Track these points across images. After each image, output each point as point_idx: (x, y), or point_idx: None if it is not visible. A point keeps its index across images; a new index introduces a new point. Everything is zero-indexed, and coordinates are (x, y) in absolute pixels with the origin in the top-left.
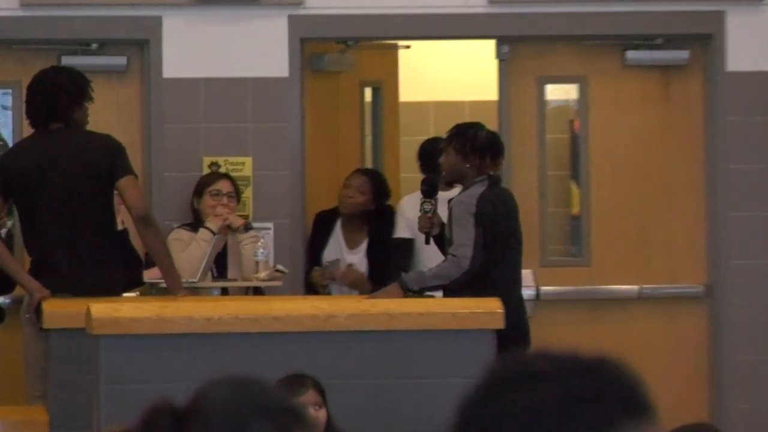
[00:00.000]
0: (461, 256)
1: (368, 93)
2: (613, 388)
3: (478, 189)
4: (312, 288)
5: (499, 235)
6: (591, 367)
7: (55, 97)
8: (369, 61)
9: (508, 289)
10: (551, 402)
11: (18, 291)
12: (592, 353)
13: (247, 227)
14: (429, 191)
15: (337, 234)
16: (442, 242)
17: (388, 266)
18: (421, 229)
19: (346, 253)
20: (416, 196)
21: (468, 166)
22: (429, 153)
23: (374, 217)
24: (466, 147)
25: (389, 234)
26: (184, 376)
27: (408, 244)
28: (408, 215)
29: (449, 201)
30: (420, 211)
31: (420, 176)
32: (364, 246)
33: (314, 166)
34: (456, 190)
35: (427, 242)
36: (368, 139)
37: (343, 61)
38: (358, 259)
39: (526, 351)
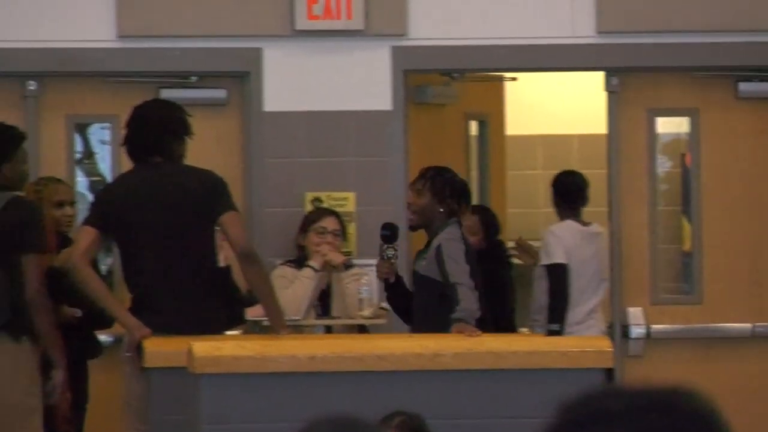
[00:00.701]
0: (470, 286)
1: (474, 126)
2: (687, 423)
3: (456, 229)
4: None
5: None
6: (664, 402)
7: (158, 131)
8: (474, 93)
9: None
10: None
11: (118, 329)
12: (664, 387)
13: (348, 265)
14: (392, 237)
15: None
16: (397, 289)
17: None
18: (380, 275)
19: None
20: (568, 224)
21: (441, 210)
22: (568, 187)
23: (485, 254)
24: (446, 191)
25: (503, 271)
26: (287, 416)
27: (565, 270)
28: (567, 243)
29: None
30: (383, 256)
31: (545, 211)
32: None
33: None
34: None
35: (386, 290)
36: (473, 173)
37: (448, 93)
38: None
39: (597, 390)
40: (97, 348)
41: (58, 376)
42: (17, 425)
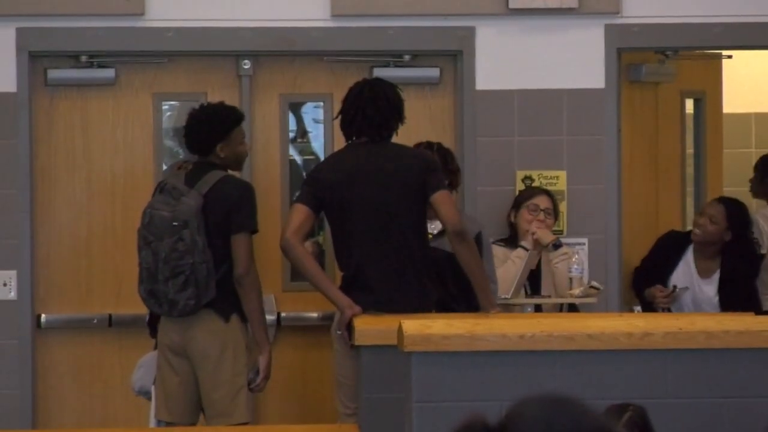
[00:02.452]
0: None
1: (689, 104)
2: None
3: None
4: (646, 304)
5: None
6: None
7: (389, 110)
8: (690, 71)
9: None
10: None
11: (328, 307)
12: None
13: (556, 245)
14: None
15: (688, 259)
16: None
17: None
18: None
19: (698, 281)
20: None
21: (448, 182)
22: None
23: (730, 247)
24: (454, 163)
25: (745, 266)
26: (497, 395)
27: None
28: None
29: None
30: None
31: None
32: (716, 276)
33: (631, 180)
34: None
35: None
36: (689, 152)
37: (663, 71)
38: (710, 289)
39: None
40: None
41: (263, 360)
42: (225, 403)
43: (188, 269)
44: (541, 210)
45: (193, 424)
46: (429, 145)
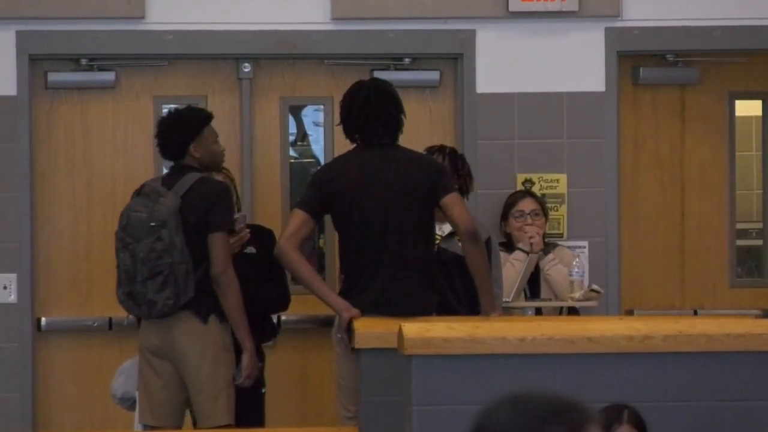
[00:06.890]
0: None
1: None
2: None
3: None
4: None
5: None
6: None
7: (394, 111)
8: None
9: None
10: None
11: (328, 310)
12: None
13: (546, 252)
14: None
15: None
16: None
17: None
18: None
19: None
20: None
21: (457, 187)
22: None
23: None
24: (465, 167)
25: None
26: None
27: None
28: None
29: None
30: None
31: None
32: None
33: (630, 183)
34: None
35: None
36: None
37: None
38: None
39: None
40: (272, 331)
41: (244, 359)
42: (208, 405)
43: (167, 269)
44: (527, 214)
45: (178, 427)
46: (441, 149)
